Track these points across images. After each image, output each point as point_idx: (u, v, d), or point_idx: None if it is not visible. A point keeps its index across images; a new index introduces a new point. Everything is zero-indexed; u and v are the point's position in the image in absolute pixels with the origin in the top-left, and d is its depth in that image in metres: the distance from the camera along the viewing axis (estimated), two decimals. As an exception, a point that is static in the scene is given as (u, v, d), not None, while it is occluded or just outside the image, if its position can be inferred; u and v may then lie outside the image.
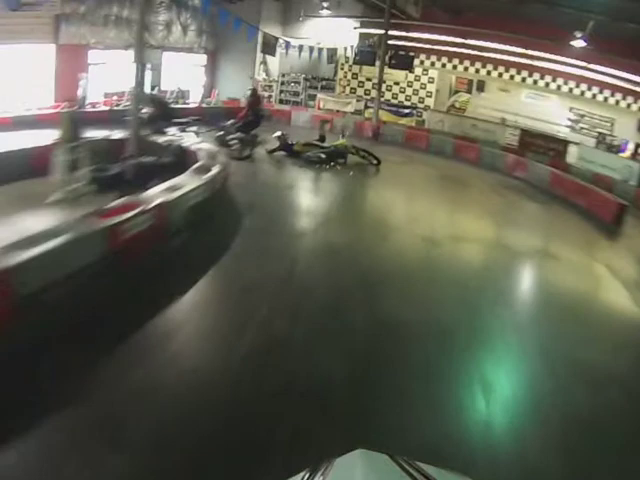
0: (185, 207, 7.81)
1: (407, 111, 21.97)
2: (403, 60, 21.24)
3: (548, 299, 7.81)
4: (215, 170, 9.30)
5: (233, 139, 14.41)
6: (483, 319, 6.59)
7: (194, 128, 15.18)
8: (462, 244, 9.92)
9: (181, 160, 10.60)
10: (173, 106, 15.33)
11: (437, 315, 6.45)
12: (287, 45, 17.33)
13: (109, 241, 5.87)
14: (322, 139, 15.22)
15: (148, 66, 19.76)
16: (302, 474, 1.47)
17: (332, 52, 22.91)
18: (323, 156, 14.63)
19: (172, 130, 13.90)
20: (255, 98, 15.89)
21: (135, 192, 7.50)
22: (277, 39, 18.66)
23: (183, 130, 14.42)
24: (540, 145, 18.29)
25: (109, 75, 18.76)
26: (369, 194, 13.72)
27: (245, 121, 15.17)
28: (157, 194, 7.45)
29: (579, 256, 10.09)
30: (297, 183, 13.29)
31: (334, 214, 10.84)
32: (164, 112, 14.54)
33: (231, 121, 15.07)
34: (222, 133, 14.83)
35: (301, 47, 19.38)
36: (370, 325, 6.00)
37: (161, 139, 12.08)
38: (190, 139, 13.46)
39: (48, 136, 10.65)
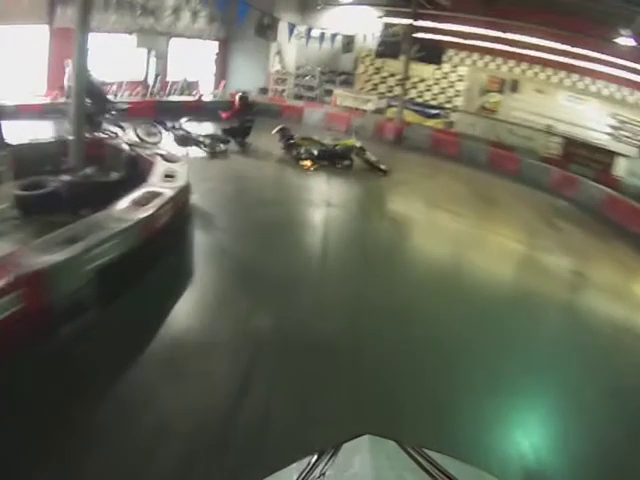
0: (90, 269, 5.11)
1: (435, 112, 20.00)
2: (431, 53, 19.29)
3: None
4: (161, 200, 6.71)
5: (200, 140, 13.08)
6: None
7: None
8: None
9: (134, 173, 8.39)
10: (110, 97, 12.89)
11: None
12: (291, 29, 15.48)
13: None
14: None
15: (152, 54, 18.31)
16: (309, 458, 1.48)
17: (349, 40, 21.02)
18: (315, 153, 13.28)
19: (109, 127, 11.99)
20: (244, 105, 14.50)
21: (68, 218, 5.92)
22: (277, 20, 16.71)
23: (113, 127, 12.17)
24: (584, 156, 16.32)
25: (110, 62, 17.18)
26: (374, 231, 10.03)
27: (230, 125, 14.04)
28: (36, 251, 4.77)
29: None
30: (284, 199, 10.98)
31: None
32: (100, 105, 11.85)
33: (185, 118, 13.17)
34: (181, 132, 13.01)
35: (308, 33, 17.40)
36: None
37: (120, 143, 10.00)
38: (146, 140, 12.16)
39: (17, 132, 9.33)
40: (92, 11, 8.79)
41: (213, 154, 13.08)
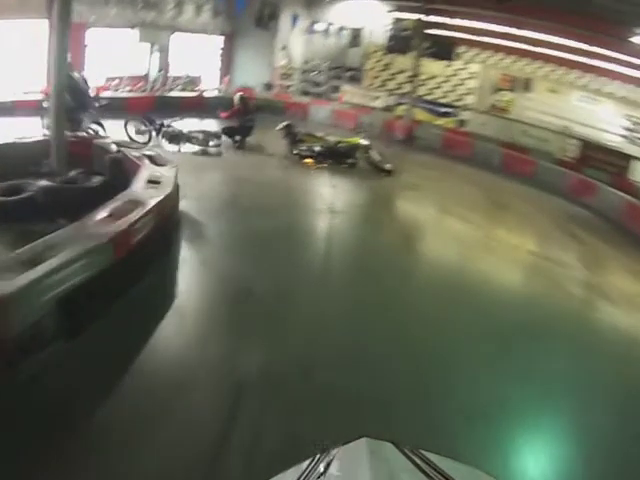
0: (51, 297, 4.45)
1: (445, 110, 19.42)
2: (442, 49, 18.54)
3: None
4: (141, 210, 6.00)
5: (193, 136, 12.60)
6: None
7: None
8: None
9: (119, 177, 7.64)
10: (91, 92, 12.02)
11: None
12: (294, 20, 14.83)
13: None
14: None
15: (155, 48, 17.78)
16: (308, 462, 1.47)
17: (356, 34, 20.41)
18: (317, 149, 12.83)
19: (90, 125, 11.41)
20: (243, 106, 13.85)
21: (46, 227, 5.46)
22: (278, 10, 16.09)
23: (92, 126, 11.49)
24: (600, 159, 15.70)
25: (110, 57, 16.74)
26: (380, 244, 9.15)
27: (229, 125, 13.71)
28: None
29: None
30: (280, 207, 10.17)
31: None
32: (81, 101, 11.16)
33: (175, 118, 12.67)
34: (171, 130, 12.50)
35: (312, 26, 16.76)
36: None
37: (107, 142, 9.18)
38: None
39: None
40: (72, 4, 8.25)
41: (205, 152, 12.63)
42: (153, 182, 7.03)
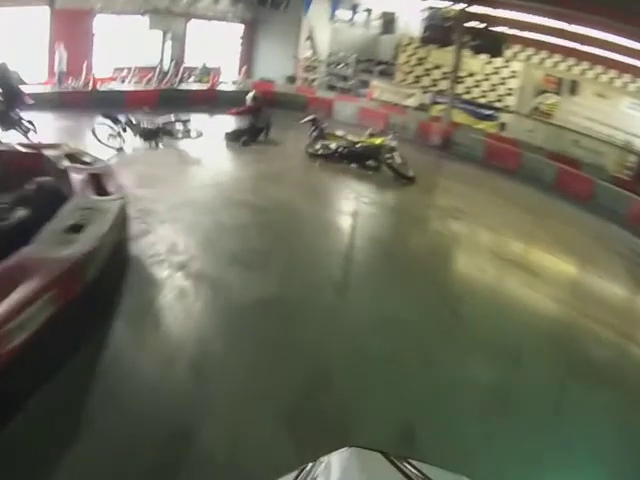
0: None
1: (488, 112, 17.54)
2: (489, 42, 16.17)
3: None
4: (26, 292, 3.74)
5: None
6: None
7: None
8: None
9: (51, 208, 5.23)
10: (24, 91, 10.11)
11: None
12: (335, 5, 13.22)
13: None
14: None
15: (168, 36, 16.30)
16: (295, 473, 1.46)
17: (388, 18, 18.50)
18: (333, 147, 11.62)
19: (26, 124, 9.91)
20: (256, 105, 12.61)
21: None
22: None
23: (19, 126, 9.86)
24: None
25: (120, 46, 15.33)
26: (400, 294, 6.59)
27: (239, 126, 12.70)
28: None
29: None
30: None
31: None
32: (13, 98, 9.70)
33: (142, 112, 10.99)
34: (143, 126, 10.92)
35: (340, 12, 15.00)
36: None
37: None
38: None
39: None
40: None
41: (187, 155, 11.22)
42: (73, 228, 4.84)
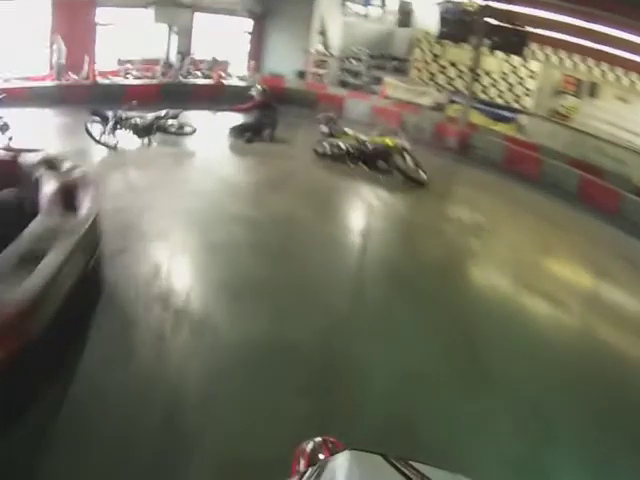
0: None
1: (506, 114, 16.68)
2: (511, 39, 15.43)
3: None
4: None
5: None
6: None
7: None
8: None
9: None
10: None
11: None
12: None
13: None
14: None
15: (174, 29, 15.69)
16: (295, 478, 1.45)
17: (406, 9, 17.77)
18: (343, 147, 11.05)
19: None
20: (264, 100, 12.12)
21: None
22: None
23: None
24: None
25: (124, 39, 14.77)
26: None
27: (242, 122, 12.22)
28: None
29: None
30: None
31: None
32: None
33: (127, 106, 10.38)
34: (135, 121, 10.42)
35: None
36: None
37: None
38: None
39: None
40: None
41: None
42: (26, 258, 4.07)
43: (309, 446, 2.03)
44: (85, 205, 5.18)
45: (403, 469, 1.33)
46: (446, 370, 5.15)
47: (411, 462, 1.39)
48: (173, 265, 6.22)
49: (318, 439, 2.10)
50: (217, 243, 6.84)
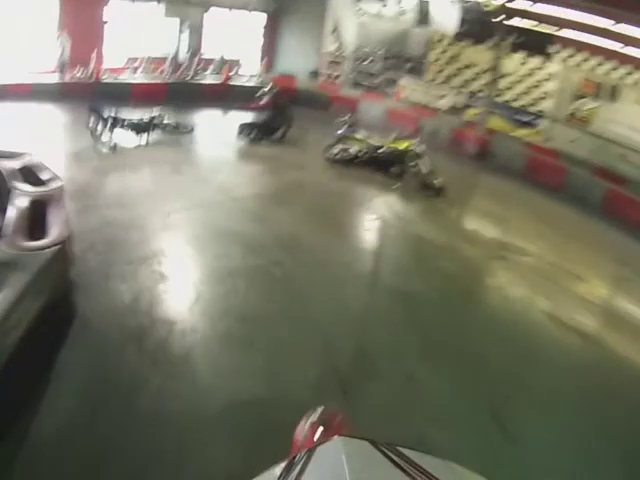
0: None
1: (528, 119, 16.13)
2: (533, 39, 14.88)
3: None
4: None
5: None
6: None
7: None
8: None
9: None
10: None
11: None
12: None
13: None
14: None
15: (185, 25, 15.18)
16: (282, 464, 1.42)
17: (424, 7, 17.31)
18: (352, 151, 10.84)
19: None
20: (277, 101, 11.72)
21: None
22: None
23: None
24: None
25: (133, 35, 14.27)
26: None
27: (252, 120, 11.87)
28: None
29: None
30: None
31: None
32: None
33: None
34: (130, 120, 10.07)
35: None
36: None
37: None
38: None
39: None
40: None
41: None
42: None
43: (307, 425, 2.02)
44: (54, 229, 4.54)
45: (391, 455, 1.33)
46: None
47: (399, 448, 1.38)
48: (155, 296, 5.35)
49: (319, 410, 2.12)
50: (209, 269, 6.11)
